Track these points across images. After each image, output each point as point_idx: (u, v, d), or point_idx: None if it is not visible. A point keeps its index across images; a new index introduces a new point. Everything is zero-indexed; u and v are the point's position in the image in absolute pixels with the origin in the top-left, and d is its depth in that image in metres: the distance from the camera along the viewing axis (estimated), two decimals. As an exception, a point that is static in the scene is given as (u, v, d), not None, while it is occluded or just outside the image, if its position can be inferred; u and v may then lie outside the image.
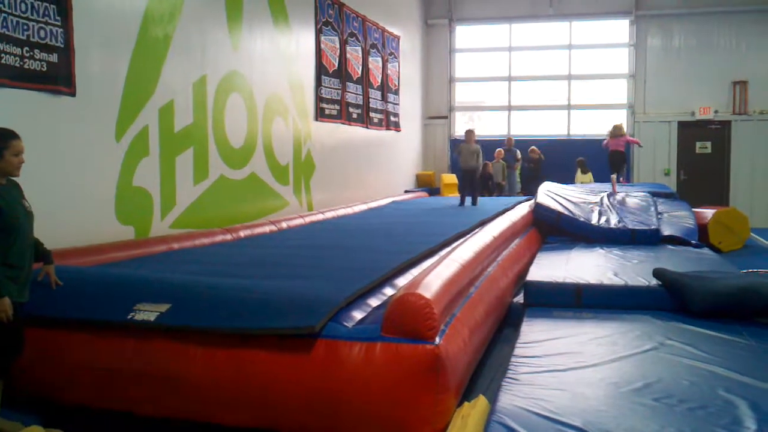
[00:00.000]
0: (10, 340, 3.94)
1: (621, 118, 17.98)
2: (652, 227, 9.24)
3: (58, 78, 6.17)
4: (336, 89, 12.47)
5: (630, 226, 9.22)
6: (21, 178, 4.17)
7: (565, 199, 10.28)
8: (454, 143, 19.08)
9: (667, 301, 5.88)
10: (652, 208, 10.32)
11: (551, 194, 10.48)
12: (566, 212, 9.71)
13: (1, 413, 4.02)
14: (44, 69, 6.02)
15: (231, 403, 3.93)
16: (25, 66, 5.83)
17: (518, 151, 17.04)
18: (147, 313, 4.06)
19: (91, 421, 4.20)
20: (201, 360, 3.96)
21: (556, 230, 9.72)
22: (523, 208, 10.32)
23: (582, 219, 9.54)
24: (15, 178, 4.08)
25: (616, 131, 13.52)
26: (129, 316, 4.08)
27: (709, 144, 17.37)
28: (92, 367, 4.18)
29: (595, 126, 18.13)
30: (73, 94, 6.33)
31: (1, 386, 4.01)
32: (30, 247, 4.07)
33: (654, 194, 11.73)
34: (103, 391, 4.16)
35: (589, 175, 16.32)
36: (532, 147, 17.04)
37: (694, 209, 11.11)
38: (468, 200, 12.18)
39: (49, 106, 6.11)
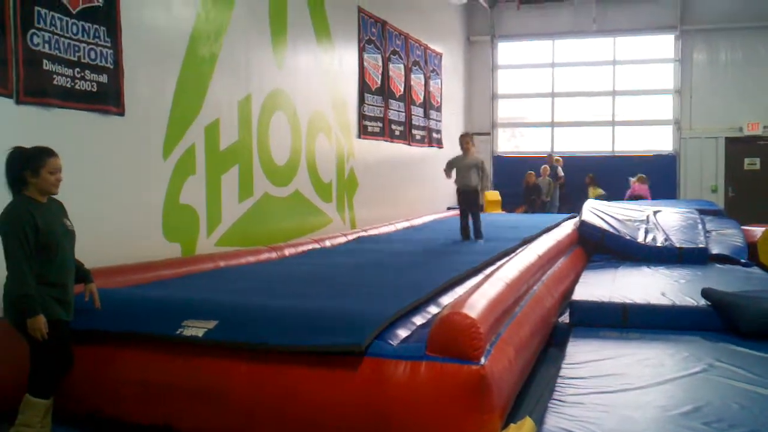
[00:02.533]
0: (59, 358, 4.01)
1: (666, 134, 17.80)
2: (700, 245, 9.08)
3: (108, 98, 6.29)
4: (379, 107, 12.52)
5: (677, 245, 9.07)
6: (70, 196, 4.27)
7: (610, 216, 10.16)
8: (497, 160, 19.03)
9: (716, 321, 5.75)
10: (700, 226, 10.15)
11: (596, 212, 10.37)
12: (612, 230, 9.59)
13: (53, 430, 4.09)
14: (94, 89, 6.14)
15: (276, 420, 3.95)
16: (76, 87, 5.96)
17: (560, 168, 16.93)
18: (195, 329, 4.11)
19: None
20: (247, 377, 4.00)
21: (601, 248, 9.60)
22: (568, 226, 10.23)
23: (628, 237, 9.42)
24: (57, 197, 4.15)
25: (643, 180, 15.34)
26: (178, 332, 4.13)
27: (757, 160, 17.06)
28: (140, 383, 4.23)
29: (640, 142, 17.95)
30: (122, 114, 6.45)
31: (52, 403, 4.08)
32: (71, 266, 4.13)
33: (701, 212, 11.52)
34: (151, 407, 4.22)
35: (599, 190, 16.28)
36: (544, 166, 16.90)
37: (742, 227, 10.89)
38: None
39: (98, 125, 6.23)
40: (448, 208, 16.25)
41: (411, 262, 6.86)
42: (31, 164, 3.97)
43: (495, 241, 8.45)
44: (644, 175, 15.61)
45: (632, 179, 15.58)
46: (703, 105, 17.27)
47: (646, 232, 9.72)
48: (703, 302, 5.98)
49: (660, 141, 17.98)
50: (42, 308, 3.87)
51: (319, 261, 7.12)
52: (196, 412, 4.10)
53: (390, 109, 13.04)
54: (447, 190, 17.20)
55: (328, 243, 8.65)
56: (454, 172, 9.15)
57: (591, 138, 18.57)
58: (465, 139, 9.18)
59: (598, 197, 14.79)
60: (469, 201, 9.08)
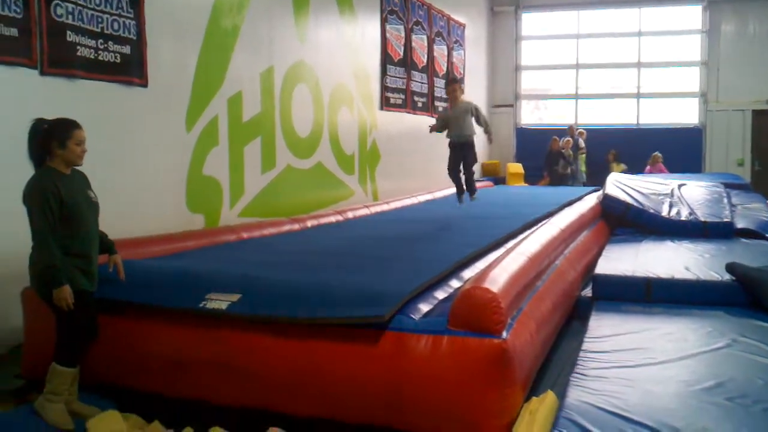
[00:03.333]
0: (83, 328, 4.06)
1: (692, 106, 17.58)
2: (725, 220, 8.99)
3: (131, 69, 6.31)
4: (401, 78, 12.46)
5: (702, 219, 8.98)
6: (94, 168, 4.29)
7: (634, 190, 10.07)
8: (520, 132, 18.90)
9: (741, 296, 5.70)
10: (725, 200, 10.03)
11: (620, 185, 10.28)
12: (635, 204, 9.51)
13: (79, 398, 4.15)
14: (117, 60, 6.16)
15: (297, 392, 3.98)
16: (99, 58, 5.98)
17: (581, 140, 16.79)
18: (218, 302, 4.13)
19: (165, 406, 4.30)
20: (269, 349, 4.02)
21: (625, 222, 9.53)
22: (591, 200, 10.16)
23: (652, 211, 9.33)
24: (80, 168, 4.18)
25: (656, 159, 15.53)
26: (201, 305, 4.16)
27: (785, 133, 16.83)
28: (163, 355, 4.27)
29: (665, 115, 17.75)
30: (145, 85, 6.47)
31: (78, 373, 4.14)
32: (95, 237, 4.17)
33: (727, 185, 11.39)
34: (174, 378, 4.25)
35: (622, 166, 16.14)
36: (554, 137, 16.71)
37: (768, 201, 10.79)
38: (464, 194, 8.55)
39: (122, 97, 6.26)
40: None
41: (433, 235, 6.85)
42: (57, 135, 3.99)
43: (517, 215, 8.40)
44: (658, 154, 15.55)
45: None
46: (730, 77, 17.01)
47: (671, 205, 9.63)
48: (727, 277, 5.93)
49: (685, 113, 17.77)
50: (67, 279, 3.91)
51: (341, 233, 7.13)
52: (220, 384, 4.13)
53: (412, 80, 12.97)
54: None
55: (350, 215, 8.64)
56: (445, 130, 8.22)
57: (615, 110, 18.37)
58: (452, 86, 8.25)
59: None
60: (461, 154, 8.00)
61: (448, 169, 8.21)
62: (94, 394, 4.31)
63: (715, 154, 17.19)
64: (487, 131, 7.98)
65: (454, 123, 7.95)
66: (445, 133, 8.10)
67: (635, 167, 15.12)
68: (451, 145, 8.07)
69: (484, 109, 18.23)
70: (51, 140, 3.99)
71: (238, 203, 7.85)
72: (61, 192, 3.91)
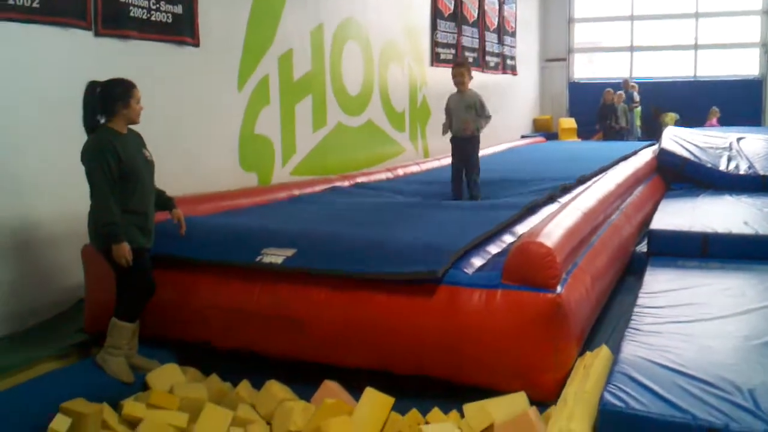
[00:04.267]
0: (141, 283, 4.14)
1: (752, 57, 17.06)
2: (786, 173, 8.77)
3: (183, 29, 6.34)
4: (452, 33, 12.31)
5: (761, 172, 8.75)
6: (148, 127, 4.34)
7: (691, 144, 9.86)
8: (573, 86, 18.59)
9: (801, 251, 5.60)
10: (786, 153, 9.77)
11: (677, 139, 10.07)
12: (692, 158, 9.32)
13: (139, 352, 4.26)
14: (169, 20, 6.19)
15: (351, 345, 4.03)
16: (152, 18, 6.01)
17: (635, 94, 16.42)
18: (274, 256, 4.19)
19: (222, 360, 4.39)
20: (324, 303, 4.07)
21: (681, 177, 9.35)
22: (646, 154, 9.98)
23: (709, 165, 9.14)
24: (136, 128, 4.23)
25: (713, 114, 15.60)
26: (257, 259, 4.22)
27: None
28: (220, 308, 4.34)
29: (723, 67, 17.25)
30: (196, 45, 6.50)
31: (137, 327, 4.24)
32: (151, 195, 4.22)
33: (788, 138, 11.08)
34: (230, 331, 4.33)
35: (671, 115, 15.78)
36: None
37: (831, 154, 10.45)
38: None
39: (174, 56, 6.29)
40: (523, 136, 16.03)
41: (484, 191, 6.81)
42: (120, 95, 4.04)
43: (570, 170, 8.30)
44: (715, 109, 15.32)
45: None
46: (793, 26, 16.44)
47: (729, 159, 9.41)
48: (787, 232, 5.80)
49: (745, 65, 17.24)
50: (126, 236, 3.98)
51: (392, 190, 7.13)
52: (276, 338, 4.20)
53: (463, 35, 12.81)
54: (521, 120, 16.98)
55: (400, 171, 8.64)
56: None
57: (672, 63, 17.90)
58: (459, 71, 6.84)
59: (675, 123, 14.45)
60: (464, 153, 6.86)
61: (452, 174, 6.98)
62: (155, 348, 4.41)
63: (775, 106, 16.71)
64: (479, 126, 6.86)
65: (455, 115, 6.85)
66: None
67: (692, 122, 14.76)
68: (453, 141, 6.95)
69: (535, 64, 18.04)
70: (114, 100, 4.04)
71: (290, 161, 7.89)
72: (119, 150, 3.97)
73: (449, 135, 6.97)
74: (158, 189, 4.36)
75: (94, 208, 4.02)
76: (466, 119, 6.74)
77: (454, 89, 6.86)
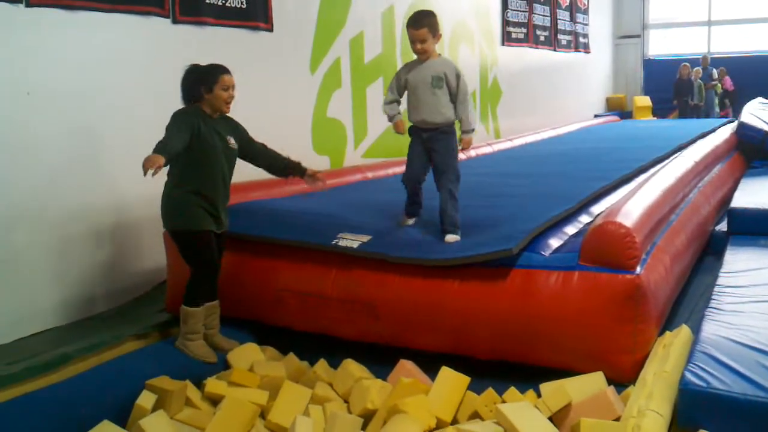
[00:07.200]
0: (201, 263, 4.18)
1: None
2: None
3: (257, 14, 6.43)
4: (523, 11, 12.15)
5: None
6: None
7: (773, 119, 9.55)
8: (647, 63, 18.14)
9: None
10: None
11: (757, 114, 9.76)
12: (774, 133, 9.03)
13: (220, 332, 4.37)
14: (244, 6, 6.28)
15: (426, 329, 4.03)
16: (227, 4, 6.12)
17: (714, 71, 15.93)
18: (350, 241, 4.22)
19: (297, 339, 4.47)
20: (398, 287, 4.07)
21: (762, 153, 9.08)
22: (725, 131, 9.71)
23: (792, 141, 8.86)
24: (230, 116, 4.30)
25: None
26: (333, 242, 4.27)
27: None
28: (297, 291, 4.39)
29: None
30: (270, 29, 6.58)
31: (216, 307, 4.33)
32: (224, 182, 4.22)
33: None
34: (306, 314, 4.38)
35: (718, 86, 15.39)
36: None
37: None
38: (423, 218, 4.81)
39: (249, 41, 6.39)
40: (596, 116, 15.75)
41: (559, 171, 6.72)
42: (205, 80, 4.09)
43: (646, 149, 8.13)
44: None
45: None
46: None
47: (814, 135, 9.09)
48: None
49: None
50: (168, 157, 3.80)
51: (464, 171, 7.07)
52: (351, 321, 4.23)
53: (534, 13, 12.62)
54: (594, 97, 16.67)
55: (472, 152, 8.59)
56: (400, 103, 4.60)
57: (753, 36, 17.26)
58: (419, 32, 4.35)
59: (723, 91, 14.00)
60: (433, 147, 4.44)
61: (406, 187, 4.64)
62: (235, 328, 4.52)
63: None
64: (464, 129, 4.46)
65: (414, 94, 4.45)
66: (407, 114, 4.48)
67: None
68: (413, 133, 4.58)
69: (608, 41, 17.67)
70: (199, 84, 4.10)
71: (362, 144, 7.94)
72: (200, 124, 4.03)
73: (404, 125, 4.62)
74: (282, 156, 4.52)
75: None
76: (433, 99, 4.33)
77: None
